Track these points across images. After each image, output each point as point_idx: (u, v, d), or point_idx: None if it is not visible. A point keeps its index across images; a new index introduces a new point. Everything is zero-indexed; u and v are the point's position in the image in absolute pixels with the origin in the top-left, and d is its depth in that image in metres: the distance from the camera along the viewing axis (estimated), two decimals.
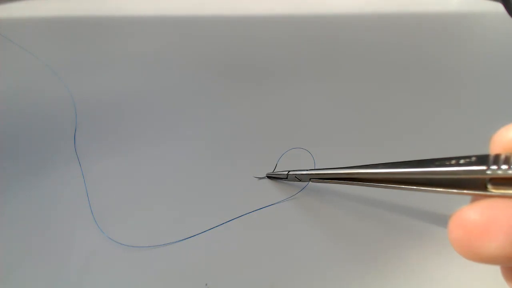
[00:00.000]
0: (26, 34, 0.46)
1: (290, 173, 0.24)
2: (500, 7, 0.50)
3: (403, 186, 0.18)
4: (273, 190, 0.25)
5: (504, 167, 0.12)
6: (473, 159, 0.13)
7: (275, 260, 0.21)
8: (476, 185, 0.14)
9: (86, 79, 0.37)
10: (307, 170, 0.23)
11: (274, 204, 0.24)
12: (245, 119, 0.31)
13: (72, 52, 0.42)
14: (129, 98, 0.34)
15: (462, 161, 0.13)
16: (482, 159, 0.13)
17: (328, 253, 0.22)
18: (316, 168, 0.26)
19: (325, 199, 0.24)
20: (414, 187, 0.17)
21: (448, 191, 0.15)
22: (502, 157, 0.12)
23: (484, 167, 0.12)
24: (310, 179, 0.23)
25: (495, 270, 0.17)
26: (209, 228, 0.23)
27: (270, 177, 0.26)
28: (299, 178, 0.24)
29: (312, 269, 0.21)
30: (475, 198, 0.14)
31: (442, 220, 0.23)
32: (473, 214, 0.11)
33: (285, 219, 0.23)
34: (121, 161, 0.28)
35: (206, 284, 0.20)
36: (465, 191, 0.14)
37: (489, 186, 0.13)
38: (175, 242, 0.22)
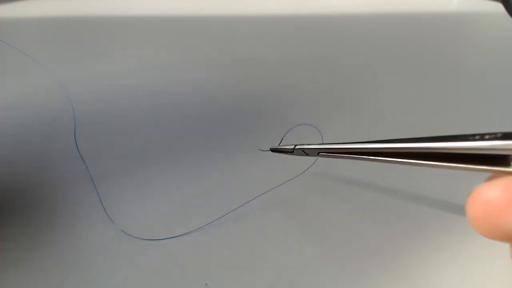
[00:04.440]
0: (24, 34, 0.46)
1: (297, 147, 0.22)
2: (500, 7, 0.50)
3: (421, 162, 0.16)
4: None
5: None
6: (499, 135, 0.13)
7: (275, 260, 0.21)
8: (499, 162, 0.13)
9: (85, 79, 0.37)
10: (315, 144, 0.22)
11: (275, 187, 0.23)
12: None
13: (71, 52, 0.42)
14: (128, 98, 0.34)
15: (487, 137, 0.13)
16: (508, 135, 0.13)
17: (328, 253, 0.21)
18: (325, 142, 0.24)
19: (325, 199, 0.24)
20: (432, 163, 0.16)
21: (470, 167, 0.14)
22: None
23: (510, 142, 0.12)
24: (318, 153, 0.21)
25: (495, 271, 0.17)
26: (208, 223, 0.23)
27: (274, 150, 0.24)
28: (306, 153, 0.22)
29: (312, 269, 0.21)
30: (495, 176, 0.13)
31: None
32: (495, 191, 0.11)
33: (285, 219, 0.23)
34: (124, 158, 0.28)
35: (206, 284, 0.20)
36: (488, 168, 0.14)
37: None
38: (175, 236, 0.22)
